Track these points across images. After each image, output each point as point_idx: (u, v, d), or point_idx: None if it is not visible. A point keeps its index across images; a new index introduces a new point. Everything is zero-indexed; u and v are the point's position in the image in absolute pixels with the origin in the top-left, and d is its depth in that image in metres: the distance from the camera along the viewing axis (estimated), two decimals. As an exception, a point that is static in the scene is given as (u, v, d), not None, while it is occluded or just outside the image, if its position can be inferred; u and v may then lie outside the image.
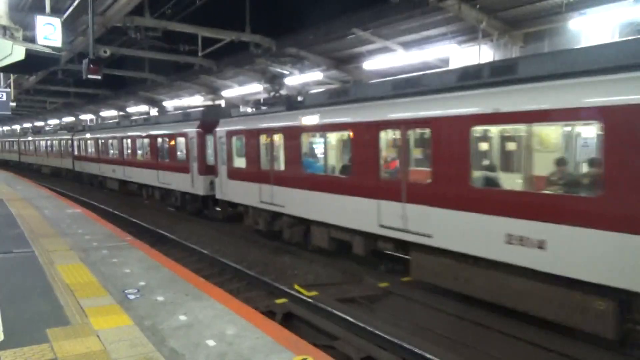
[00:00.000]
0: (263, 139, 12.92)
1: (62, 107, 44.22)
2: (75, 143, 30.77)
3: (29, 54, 7.00)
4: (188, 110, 20.54)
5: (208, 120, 16.27)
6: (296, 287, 9.58)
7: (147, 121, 22.53)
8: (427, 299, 8.80)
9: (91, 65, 10.74)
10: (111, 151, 25.01)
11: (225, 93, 27.15)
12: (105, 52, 15.90)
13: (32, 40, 8.03)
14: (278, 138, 12.29)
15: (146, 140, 20.75)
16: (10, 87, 18.23)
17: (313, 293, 9.17)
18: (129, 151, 22.50)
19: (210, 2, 15.98)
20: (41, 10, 8.88)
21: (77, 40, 16.68)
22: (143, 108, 36.29)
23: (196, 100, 29.57)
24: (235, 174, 14.21)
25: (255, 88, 24.02)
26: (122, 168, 23.32)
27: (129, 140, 22.47)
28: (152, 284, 6.63)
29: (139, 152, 21.58)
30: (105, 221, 12.29)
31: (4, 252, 8.46)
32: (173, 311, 5.59)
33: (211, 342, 4.74)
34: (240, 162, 14.05)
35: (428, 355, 6.35)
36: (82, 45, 16.94)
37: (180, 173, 17.53)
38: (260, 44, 18.17)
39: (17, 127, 64.12)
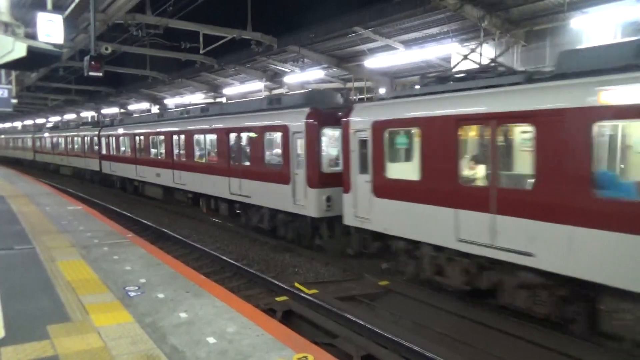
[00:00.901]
0: (471, 132, 8.21)
1: (63, 104, 44.23)
2: (104, 140, 25.43)
3: (30, 50, 6.99)
4: (278, 95, 16.53)
5: (320, 108, 11.62)
6: (297, 285, 9.59)
7: (210, 111, 16.71)
8: (427, 298, 8.80)
9: (92, 63, 10.75)
10: (154, 150, 19.94)
11: (227, 91, 27.19)
12: (106, 49, 15.87)
13: (34, 37, 8.01)
14: (519, 132, 7.82)
15: (211, 137, 15.59)
16: (11, 84, 18.20)
17: (313, 291, 9.18)
18: (183, 151, 17.34)
19: (212, 0, 15.98)
20: (43, 7, 8.85)
21: (78, 37, 16.68)
22: (144, 105, 36.31)
23: (197, 98, 29.59)
24: (391, 190, 9.28)
25: (257, 86, 24.08)
26: (170, 172, 18.12)
27: (183, 137, 17.32)
28: (153, 281, 6.64)
29: (199, 152, 16.59)
30: (106, 218, 12.31)
31: (5, 248, 8.47)
32: (174, 308, 5.60)
33: (211, 340, 4.75)
34: (403, 171, 9.33)
35: (428, 354, 6.35)
36: (83, 42, 16.95)
37: (273, 183, 12.43)
38: (262, 42, 18.17)
39: (30, 121, 59.17)
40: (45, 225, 10.74)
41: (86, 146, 28.35)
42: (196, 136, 16.59)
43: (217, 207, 15.67)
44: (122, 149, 23.19)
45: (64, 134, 33.07)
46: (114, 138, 24.14)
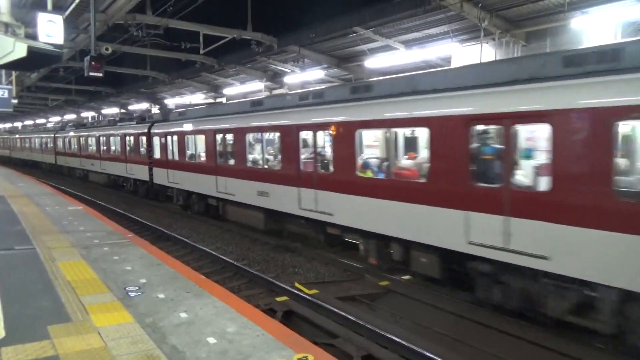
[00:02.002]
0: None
1: (63, 104, 44.26)
2: (158, 140, 19.13)
3: (30, 51, 7.01)
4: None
5: None
6: (297, 285, 9.59)
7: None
8: (428, 298, 8.80)
9: (93, 63, 10.76)
10: (256, 156, 13.73)
11: (227, 91, 27.20)
12: (106, 49, 15.84)
13: (34, 37, 8.02)
14: None
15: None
16: (11, 84, 18.22)
17: (314, 291, 9.18)
18: (335, 153, 10.25)
19: (212, 0, 15.98)
20: (43, 7, 8.86)
21: (78, 37, 16.72)
22: (144, 105, 36.33)
23: (197, 98, 29.61)
24: None
25: (257, 86, 24.08)
26: (297, 192, 11.19)
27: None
28: (153, 281, 6.65)
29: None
30: (106, 218, 12.31)
31: (5, 248, 8.47)
32: (174, 308, 5.60)
33: (212, 340, 4.75)
34: None
35: (428, 354, 6.35)
36: (83, 42, 16.99)
37: None
38: (262, 42, 18.19)
39: (53, 119, 51.66)
40: (46, 226, 10.75)
41: (129, 148, 22.10)
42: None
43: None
44: (192, 152, 16.75)
45: (95, 133, 26.50)
46: (175, 137, 17.62)
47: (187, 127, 16.74)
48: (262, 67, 22.65)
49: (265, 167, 12.91)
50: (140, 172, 20.98)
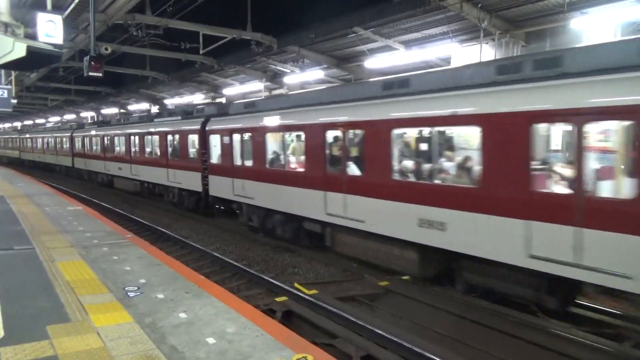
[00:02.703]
0: None
1: (63, 104, 44.26)
2: (218, 139, 14.79)
3: (30, 50, 7.00)
4: None
5: None
6: (296, 285, 9.58)
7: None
8: (427, 298, 8.80)
9: (92, 63, 10.76)
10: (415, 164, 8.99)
11: (227, 91, 27.20)
12: (106, 49, 15.87)
13: (34, 37, 8.02)
14: None
15: None
16: (11, 84, 18.21)
17: (313, 291, 9.18)
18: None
19: (212, 0, 15.99)
20: (42, 7, 8.86)
21: (78, 37, 16.72)
22: (144, 106, 36.35)
23: (197, 98, 29.62)
24: None
25: (257, 86, 24.09)
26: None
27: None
28: (153, 282, 6.64)
29: None
30: (106, 218, 12.30)
31: (4, 249, 8.46)
32: (173, 309, 5.60)
33: (211, 340, 4.75)
34: None
35: (428, 354, 6.35)
36: (83, 42, 16.98)
37: None
38: (262, 42, 18.20)
39: (69, 116, 47.33)
40: (45, 226, 10.74)
41: (171, 149, 18.02)
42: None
43: None
44: (279, 155, 12.35)
45: (124, 131, 22.51)
46: (249, 136, 13.10)
47: (269, 121, 12.20)
48: (261, 67, 22.66)
49: (445, 182, 8.28)
50: (188, 180, 16.76)
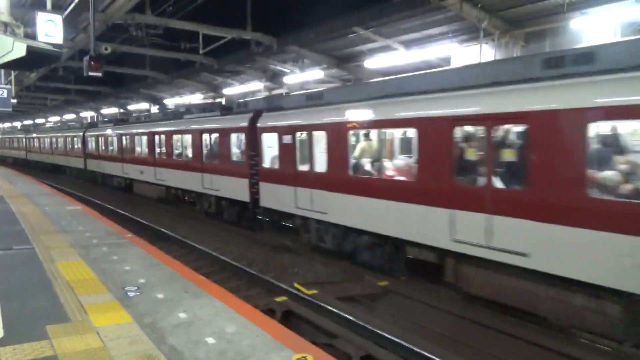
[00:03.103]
0: None
1: (62, 104, 44.25)
2: (276, 139, 12.13)
3: (29, 50, 7.00)
4: None
5: None
6: (296, 285, 9.58)
7: None
8: (427, 298, 8.80)
9: (92, 63, 10.75)
10: None
11: (226, 91, 27.20)
12: (106, 49, 15.87)
13: (33, 37, 8.02)
14: None
15: None
16: (11, 84, 18.21)
17: (313, 291, 9.18)
18: None
19: (212, 0, 16.00)
20: (42, 7, 8.87)
21: (78, 37, 16.71)
22: (144, 105, 36.35)
23: (196, 98, 29.62)
24: None
25: (257, 86, 24.09)
26: None
27: None
28: (152, 281, 6.63)
29: None
30: (105, 218, 12.28)
31: (4, 248, 8.46)
32: (173, 308, 5.59)
33: (211, 340, 4.74)
34: None
35: (427, 354, 6.35)
36: (83, 42, 16.97)
37: None
38: (262, 42, 18.21)
39: (85, 114, 44.97)
40: (45, 226, 10.73)
41: (207, 150, 15.54)
42: None
43: None
44: (373, 161, 9.87)
45: (147, 129, 19.81)
46: (322, 134, 10.56)
47: (354, 115, 9.70)
48: (261, 67, 22.66)
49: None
50: (230, 187, 14.23)
